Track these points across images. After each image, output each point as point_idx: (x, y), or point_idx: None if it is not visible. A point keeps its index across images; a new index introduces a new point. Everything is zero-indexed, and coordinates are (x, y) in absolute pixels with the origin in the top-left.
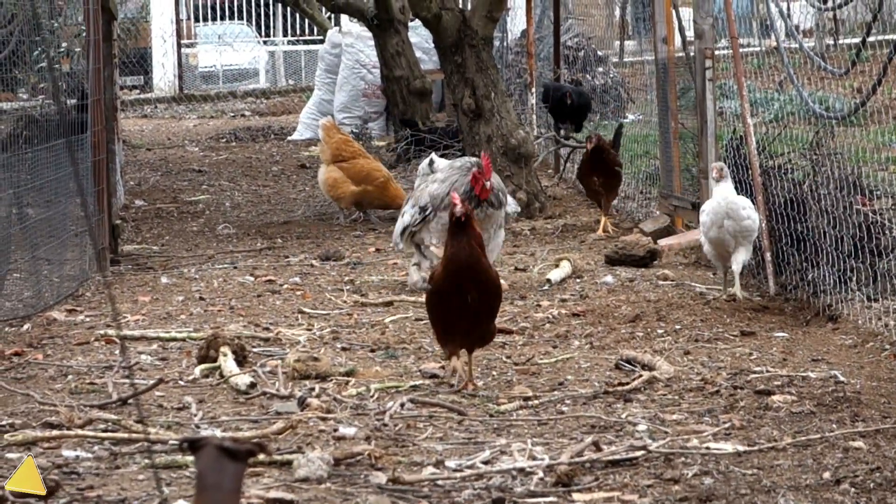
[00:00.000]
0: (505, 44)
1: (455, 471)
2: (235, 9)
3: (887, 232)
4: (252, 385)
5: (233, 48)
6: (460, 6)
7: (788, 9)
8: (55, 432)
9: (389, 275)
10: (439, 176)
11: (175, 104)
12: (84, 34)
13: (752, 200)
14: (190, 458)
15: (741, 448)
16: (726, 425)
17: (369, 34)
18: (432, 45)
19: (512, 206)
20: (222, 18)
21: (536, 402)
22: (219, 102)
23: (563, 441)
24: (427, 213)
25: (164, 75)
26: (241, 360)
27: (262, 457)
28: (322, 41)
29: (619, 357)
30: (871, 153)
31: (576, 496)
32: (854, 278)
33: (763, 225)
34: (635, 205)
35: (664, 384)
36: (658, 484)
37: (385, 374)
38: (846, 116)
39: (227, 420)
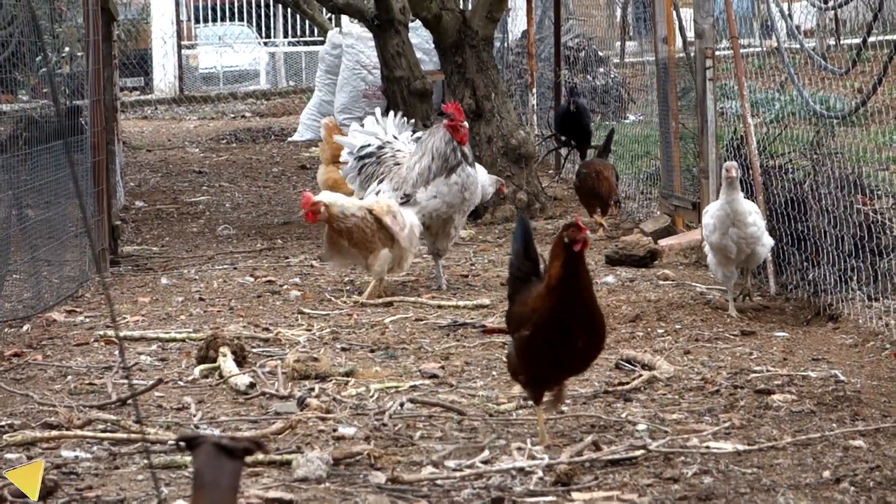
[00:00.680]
0: (506, 44)
1: (454, 470)
2: (236, 10)
3: (888, 231)
4: (251, 385)
5: (233, 49)
6: (461, 6)
7: (789, 9)
8: (54, 433)
9: (389, 275)
10: (414, 157)
11: (175, 105)
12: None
13: (752, 200)
14: (188, 459)
15: (741, 447)
16: (726, 424)
17: (370, 35)
18: (433, 45)
19: (489, 185)
20: (223, 20)
21: None
22: (219, 104)
23: (563, 440)
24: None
25: (164, 76)
26: (241, 360)
27: (261, 456)
28: (322, 42)
29: (620, 357)
30: (872, 153)
31: (575, 495)
32: (855, 278)
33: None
34: (636, 205)
35: (664, 384)
36: (658, 483)
37: (385, 375)
38: (847, 116)
39: (226, 420)
